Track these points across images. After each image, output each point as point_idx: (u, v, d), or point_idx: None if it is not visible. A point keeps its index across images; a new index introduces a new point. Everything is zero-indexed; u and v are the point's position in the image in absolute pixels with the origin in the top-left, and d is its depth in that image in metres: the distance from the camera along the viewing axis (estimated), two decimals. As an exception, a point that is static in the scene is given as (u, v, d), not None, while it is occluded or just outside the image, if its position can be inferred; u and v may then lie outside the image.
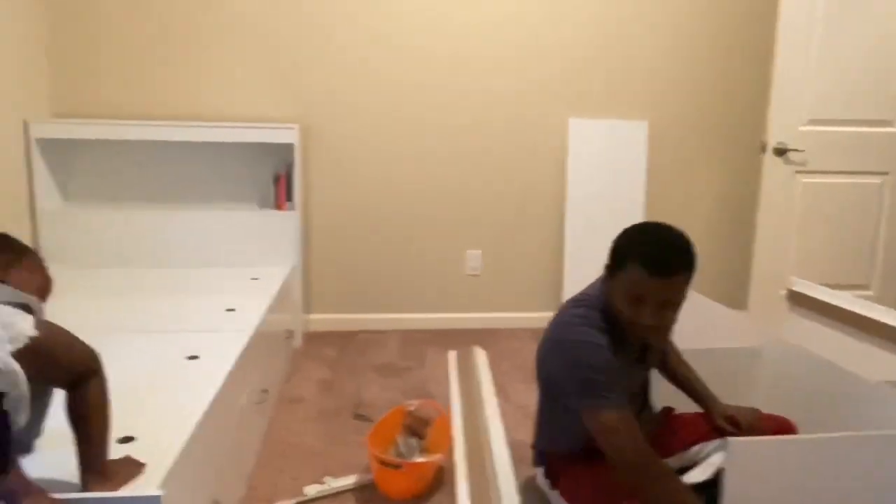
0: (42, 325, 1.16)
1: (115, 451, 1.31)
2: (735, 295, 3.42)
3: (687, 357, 1.84)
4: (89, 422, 1.21)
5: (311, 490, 1.96)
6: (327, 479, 2.02)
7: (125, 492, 1.20)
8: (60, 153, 3.06)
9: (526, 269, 3.49)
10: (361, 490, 1.99)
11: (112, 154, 3.14)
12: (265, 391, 2.27)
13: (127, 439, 1.40)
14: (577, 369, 1.47)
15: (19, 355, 1.08)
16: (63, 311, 2.22)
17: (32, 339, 1.11)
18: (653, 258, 1.38)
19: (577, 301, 1.59)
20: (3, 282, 1.29)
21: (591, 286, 1.61)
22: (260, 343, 2.24)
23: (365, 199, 3.34)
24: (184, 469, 1.37)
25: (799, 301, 2.59)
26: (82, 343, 1.22)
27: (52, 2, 3.03)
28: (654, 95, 3.41)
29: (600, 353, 1.46)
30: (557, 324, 1.58)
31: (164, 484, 1.25)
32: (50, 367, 1.15)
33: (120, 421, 1.36)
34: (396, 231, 3.39)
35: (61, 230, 2.97)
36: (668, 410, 1.79)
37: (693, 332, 1.96)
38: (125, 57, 3.11)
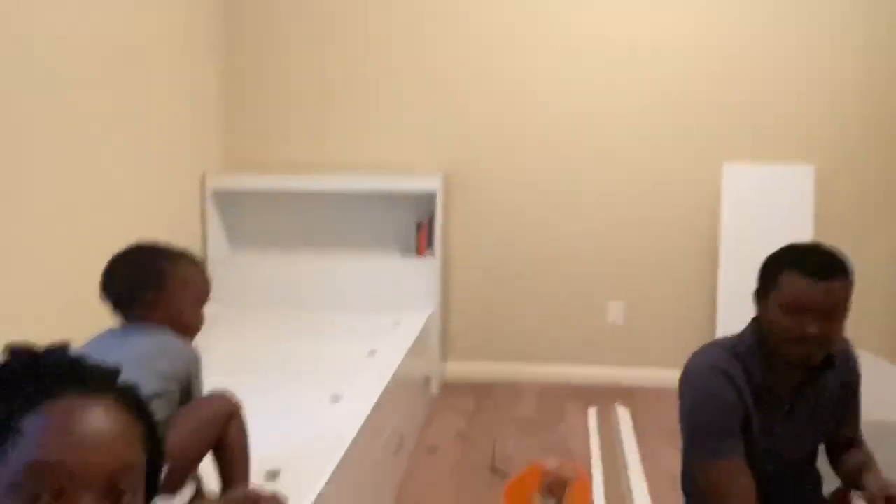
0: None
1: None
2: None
3: (878, 431, 1.58)
4: (232, 465, 1.25)
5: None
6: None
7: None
8: (229, 203, 3.37)
9: (673, 322, 3.27)
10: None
11: (271, 203, 3.40)
12: (402, 438, 2.27)
13: (272, 475, 1.45)
14: (691, 415, 1.36)
15: None
16: (222, 349, 2.39)
17: None
18: (810, 262, 1.28)
19: (712, 343, 1.45)
20: (146, 319, 1.26)
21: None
22: (399, 388, 2.27)
23: (505, 246, 3.33)
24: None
25: None
26: (211, 403, 1.24)
27: (228, 66, 3.39)
28: (823, 136, 3.11)
29: (714, 399, 1.32)
30: (685, 366, 1.45)
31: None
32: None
33: (267, 455, 1.43)
34: (536, 279, 3.33)
35: (228, 275, 3.22)
36: (842, 495, 1.53)
37: (879, 403, 1.69)
38: (288, 113, 3.38)
